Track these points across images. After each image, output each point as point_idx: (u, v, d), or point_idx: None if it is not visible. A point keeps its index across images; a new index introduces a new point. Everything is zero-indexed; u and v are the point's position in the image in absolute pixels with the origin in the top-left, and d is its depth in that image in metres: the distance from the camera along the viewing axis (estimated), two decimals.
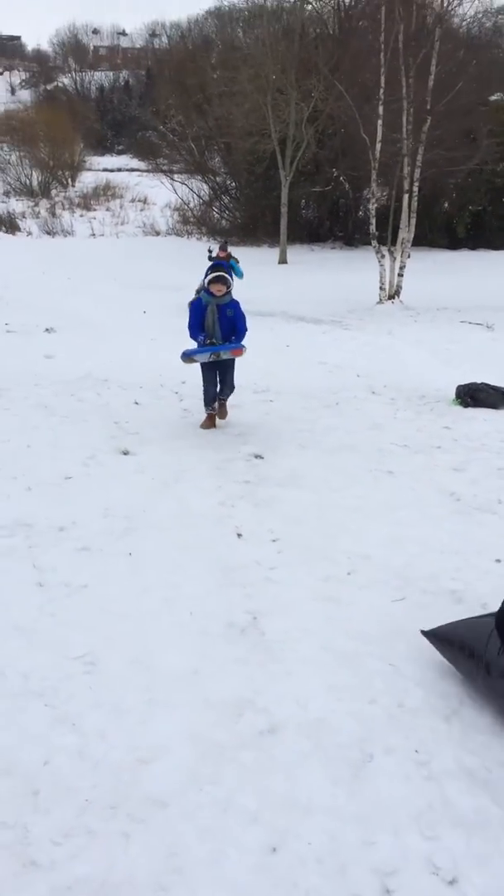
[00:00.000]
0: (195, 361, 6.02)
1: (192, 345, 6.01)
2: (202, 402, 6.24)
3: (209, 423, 6.25)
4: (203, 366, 6.06)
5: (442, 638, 2.81)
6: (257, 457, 5.48)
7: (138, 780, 2.25)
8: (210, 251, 15.35)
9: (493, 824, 2.12)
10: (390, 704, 2.64)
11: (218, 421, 6.31)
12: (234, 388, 6.31)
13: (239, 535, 4.09)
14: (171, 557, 3.74)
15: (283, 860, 2.00)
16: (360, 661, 2.91)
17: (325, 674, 2.81)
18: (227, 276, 5.90)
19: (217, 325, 5.88)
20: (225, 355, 5.98)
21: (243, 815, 2.14)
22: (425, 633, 2.91)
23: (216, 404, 6.25)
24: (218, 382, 6.17)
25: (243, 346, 5.94)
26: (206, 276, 6.11)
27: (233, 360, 6.11)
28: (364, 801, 2.19)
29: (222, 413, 6.33)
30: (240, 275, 15.42)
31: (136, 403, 6.97)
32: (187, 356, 5.99)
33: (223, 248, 15.55)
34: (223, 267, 6.12)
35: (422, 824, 2.11)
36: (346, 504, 4.60)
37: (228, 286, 5.88)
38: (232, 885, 1.92)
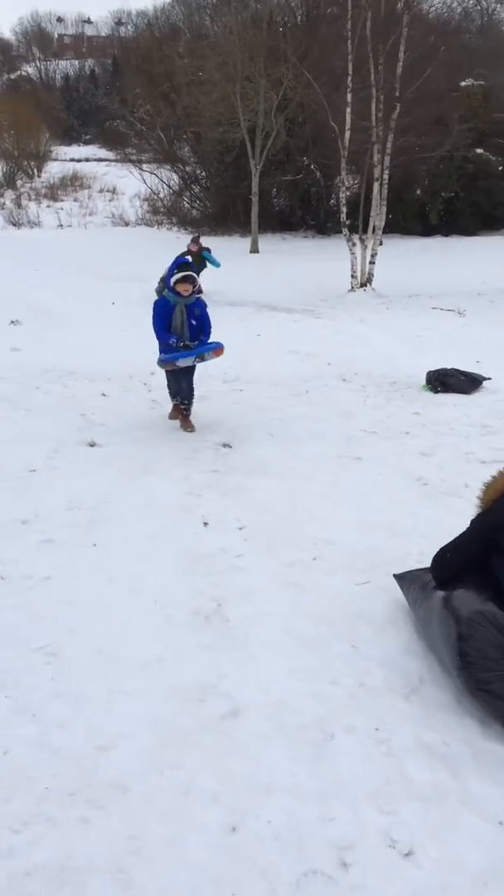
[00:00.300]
0: (176, 367, 5.74)
1: (156, 345, 5.79)
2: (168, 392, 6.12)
3: (177, 412, 6.06)
4: (166, 371, 5.89)
5: (402, 578, 3.23)
6: (225, 446, 5.49)
7: (99, 768, 2.26)
8: (189, 248, 15.37)
9: (451, 798, 2.16)
10: (352, 685, 2.67)
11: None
12: (193, 394, 6.01)
13: (205, 524, 4.10)
14: (136, 548, 3.75)
15: (243, 839, 2.02)
16: (323, 644, 2.94)
17: (288, 657, 2.84)
18: (195, 275, 5.69)
19: (185, 326, 5.66)
20: (209, 357, 5.77)
21: (204, 797, 2.16)
22: (396, 576, 3.29)
23: (183, 409, 5.99)
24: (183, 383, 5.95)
25: (223, 345, 5.78)
26: (171, 274, 5.78)
27: (194, 366, 5.87)
28: (324, 780, 2.22)
29: (187, 426, 5.91)
30: (216, 264, 15.42)
31: (104, 395, 6.95)
32: (166, 361, 5.70)
33: (196, 241, 15.55)
34: (190, 266, 5.88)
35: (380, 799, 2.14)
36: (314, 491, 4.62)
37: (195, 285, 5.68)
38: (191, 864, 1.95)
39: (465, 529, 3.03)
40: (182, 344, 5.64)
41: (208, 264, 15.18)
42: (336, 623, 3.09)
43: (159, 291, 14.78)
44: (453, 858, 1.96)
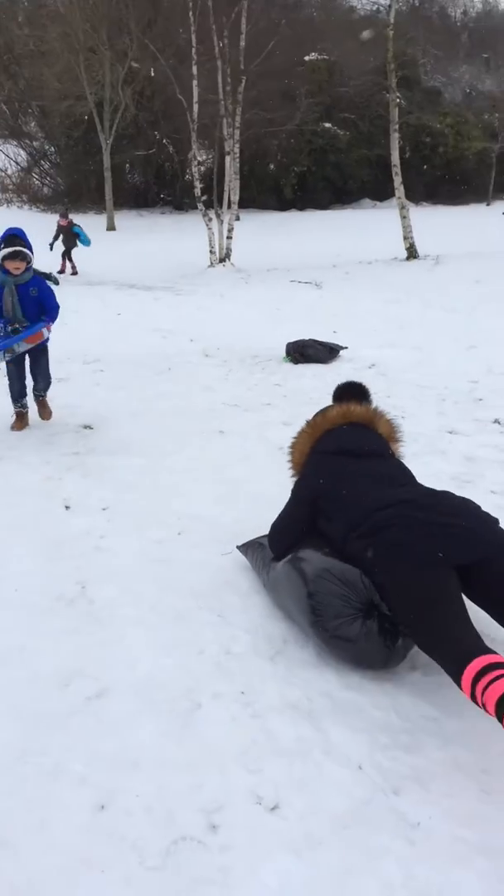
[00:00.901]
0: (15, 354, 5.11)
1: None
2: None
3: (20, 423, 5.38)
4: (6, 365, 5.25)
5: (245, 547, 3.35)
6: (87, 427, 5.40)
7: None
8: (58, 223, 14.88)
9: (313, 750, 2.24)
10: (218, 653, 2.71)
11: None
12: (50, 379, 5.42)
13: (67, 508, 4.02)
14: None
15: (111, 816, 2.02)
16: (191, 617, 2.96)
17: (155, 633, 2.84)
18: (25, 250, 4.98)
19: (17, 308, 5.00)
20: (20, 348, 5.10)
21: (72, 779, 2.14)
22: (239, 547, 3.38)
23: (25, 401, 5.37)
24: (27, 375, 5.30)
25: (43, 328, 5.13)
26: None
27: (44, 348, 5.25)
28: (192, 748, 2.25)
29: (45, 413, 5.47)
30: (86, 242, 15.00)
31: None
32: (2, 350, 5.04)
33: (64, 215, 15.07)
34: (20, 238, 4.98)
35: (247, 760, 2.20)
36: (178, 467, 4.63)
37: (28, 262, 4.98)
38: (60, 846, 1.93)
39: (288, 501, 3.11)
40: (10, 328, 5.04)
41: (79, 242, 14.83)
42: (202, 595, 3.13)
43: None
44: (316, 806, 2.03)
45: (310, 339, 7.80)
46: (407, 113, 18.49)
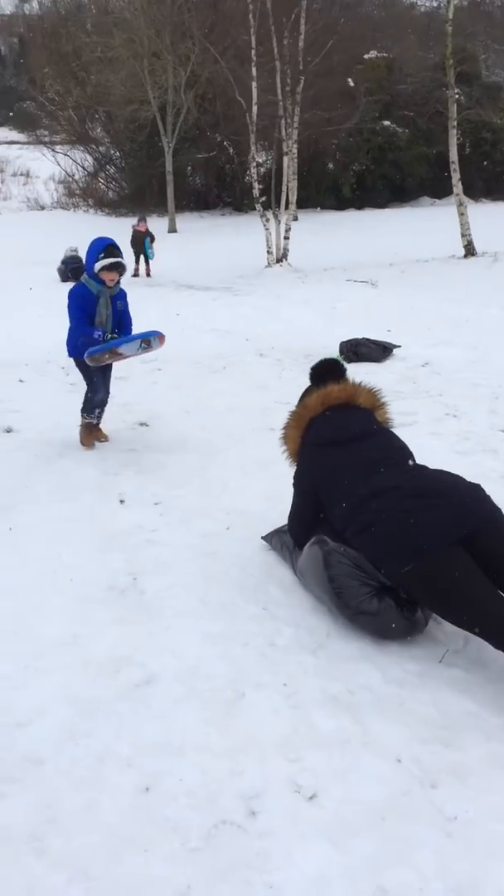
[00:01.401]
0: (120, 357, 4.84)
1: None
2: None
3: (93, 436, 5.10)
4: (95, 368, 4.91)
5: (269, 538, 3.54)
6: (143, 425, 5.52)
7: (14, 743, 2.29)
8: (133, 226, 15.09)
9: (352, 742, 2.27)
10: (262, 645, 2.77)
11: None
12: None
13: (122, 502, 4.13)
14: (52, 529, 3.76)
15: (156, 798, 2.09)
16: (236, 609, 3.03)
17: (202, 624, 2.91)
18: (123, 262, 4.85)
19: (110, 320, 4.85)
20: (156, 344, 4.92)
21: (118, 762, 2.22)
22: (264, 538, 3.57)
23: (102, 413, 5.14)
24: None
25: (157, 335, 4.95)
26: (95, 257, 4.72)
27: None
28: (234, 736, 2.31)
29: (100, 434, 5.19)
30: (149, 255, 15.12)
31: (21, 381, 6.87)
32: (99, 353, 4.71)
33: (143, 220, 15.20)
34: (117, 249, 4.77)
35: (286, 749, 2.24)
36: (230, 463, 4.70)
37: (122, 274, 4.87)
38: (105, 826, 2.01)
39: (293, 494, 3.28)
40: (109, 336, 4.83)
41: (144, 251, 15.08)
42: (248, 588, 3.18)
43: (63, 272, 14.42)
44: (353, 797, 2.07)
45: (363, 338, 7.79)
46: (466, 109, 18.21)
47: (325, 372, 3.46)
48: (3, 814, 2.04)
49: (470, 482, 2.83)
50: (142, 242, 14.94)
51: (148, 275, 15.14)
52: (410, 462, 3.06)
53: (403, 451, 3.11)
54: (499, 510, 2.72)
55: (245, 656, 2.70)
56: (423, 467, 3.02)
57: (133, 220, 16.62)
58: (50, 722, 2.39)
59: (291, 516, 3.32)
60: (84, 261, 4.98)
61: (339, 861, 1.90)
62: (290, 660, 2.67)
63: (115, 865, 1.90)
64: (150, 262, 15.22)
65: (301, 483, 3.21)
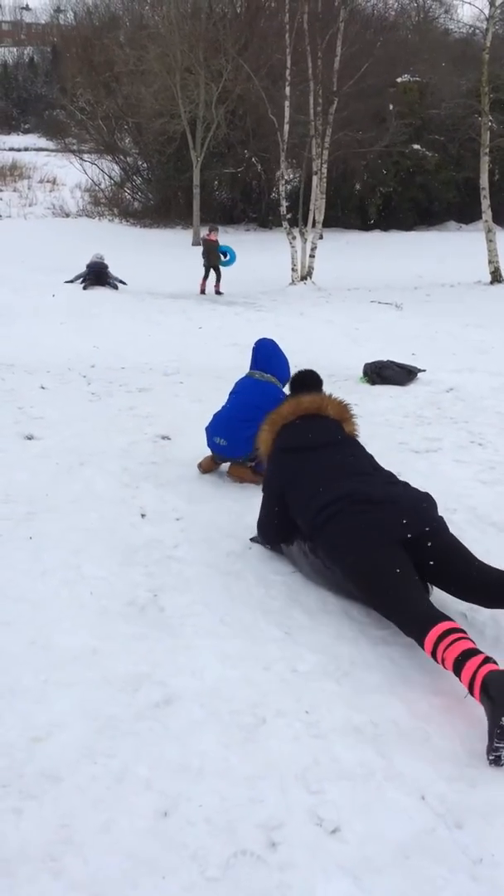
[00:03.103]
0: None
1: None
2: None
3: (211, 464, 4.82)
4: None
5: (255, 539, 3.75)
6: (164, 438, 5.51)
7: (32, 758, 2.26)
8: (204, 237, 14.74)
9: (376, 775, 2.22)
10: (284, 670, 2.73)
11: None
12: None
13: (143, 516, 4.11)
14: (72, 540, 3.74)
15: (174, 823, 2.05)
16: (258, 631, 2.99)
17: (223, 645, 2.87)
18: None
19: None
20: None
21: (137, 783, 2.19)
22: (252, 539, 3.76)
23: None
24: None
25: None
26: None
27: None
28: (254, 762, 2.27)
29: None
30: (232, 261, 14.64)
31: (43, 388, 6.89)
32: None
33: (214, 229, 14.81)
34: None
35: (308, 780, 2.20)
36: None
37: None
38: (123, 849, 1.97)
39: (262, 498, 3.60)
40: None
41: (224, 261, 14.47)
42: (271, 611, 3.15)
43: (86, 277, 14.13)
44: (377, 833, 2.02)
45: (388, 361, 7.77)
46: (498, 136, 18.26)
47: (301, 383, 3.80)
48: (21, 831, 2.01)
49: (421, 492, 3.17)
50: (217, 251, 14.33)
51: (217, 291, 14.37)
52: (372, 470, 3.37)
53: (365, 460, 3.43)
54: (442, 521, 3.06)
55: (266, 681, 2.66)
56: (380, 476, 3.34)
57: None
58: (68, 738, 2.36)
59: (261, 518, 3.62)
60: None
61: None
62: (313, 687, 2.63)
63: (132, 891, 1.86)
64: (221, 276, 14.50)
65: (268, 488, 3.53)
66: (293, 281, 16.19)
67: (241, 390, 4.82)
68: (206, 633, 2.97)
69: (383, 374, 7.54)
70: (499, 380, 7.42)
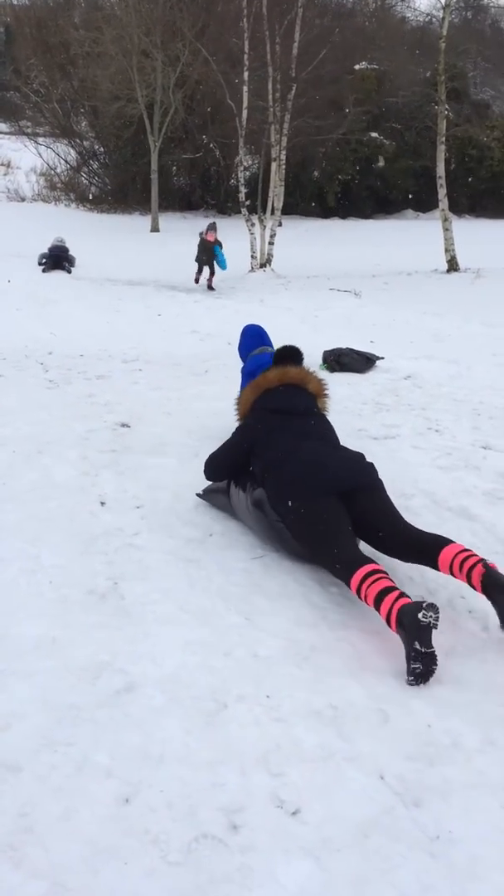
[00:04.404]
0: None
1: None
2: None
3: None
4: None
5: (204, 493, 4.10)
6: (124, 426, 5.47)
7: None
8: (201, 233, 14.10)
9: (336, 757, 2.25)
10: (245, 656, 2.74)
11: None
12: None
13: (102, 504, 4.08)
14: (31, 529, 3.70)
15: (135, 809, 2.06)
16: (218, 618, 3.00)
17: (183, 632, 2.88)
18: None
19: None
20: None
21: (98, 771, 2.18)
22: (198, 495, 4.11)
23: None
24: None
25: None
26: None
27: None
28: (215, 747, 2.28)
29: None
30: (223, 265, 13.60)
31: None
32: None
33: (213, 228, 13.96)
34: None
35: (269, 763, 2.22)
36: None
37: None
38: (84, 837, 1.97)
39: (228, 440, 3.98)
40: None
41: (216, 263, 13.59)
42: (231, 597, 3.16)
43: (45, 260, 13.69)
44: (336, 813, 2.05)
45: (347, 348, 7.81)
46: (454, 125, 18.39)
47: (287, 356, 4.21)
48: None
49: (360, 454, 3.61)
50: (212, 251, 13.57)
51: (210, 287, 13.61)
52: (334, 441, 3.81)
53: (330, 433, 3.86)
54: (379, 481, 3.43)
55: (227, 666, 2.68)
56: (338, 445, 3.78)
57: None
58: (28, 727, 2.34)
59: (217, 455, 3.99)
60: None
61: (321, 878, 1.88)
62: (274, 672, 2.65)
63: (94, 878, 1.86)
64: (216, 272, 13.68)
65: (241, 435, 3.91)
66: (252, 268, 16.15)
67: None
68: (167, 620, 2.97)
69: (342, 361, 7.58)
70: (455, 367, 7.51)
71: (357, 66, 26.09)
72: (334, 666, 2.70)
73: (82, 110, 29.96)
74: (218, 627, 2.93)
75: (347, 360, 7.57)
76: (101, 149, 30.10)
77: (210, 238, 13.54)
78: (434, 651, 2.56)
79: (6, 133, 37.71)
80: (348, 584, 2.92)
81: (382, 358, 7.71)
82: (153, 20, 21.90)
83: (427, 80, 21.22)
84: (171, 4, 22.18)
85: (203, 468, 4.04)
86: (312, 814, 2.05)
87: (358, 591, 2.86)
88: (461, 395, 6.49)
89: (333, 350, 7.71)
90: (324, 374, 7.32)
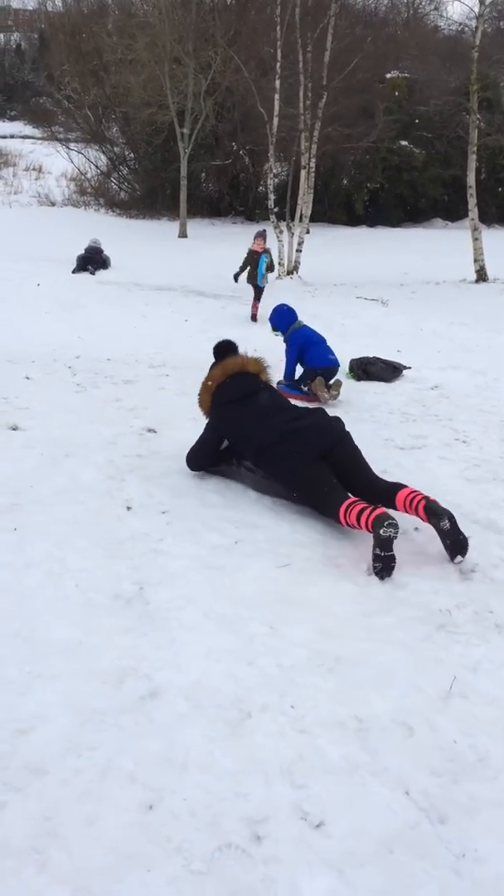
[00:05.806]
0: None
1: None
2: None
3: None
4: None
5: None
6: (150, 431, 5.48)
7: (16, 751, 2.26)
8: (251, 247, 12.94)
9: (360, 769, 2.24)
10: (268, 665, 2.73)
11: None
12: None
13: (128, 508, 4.09)
14: (58, 532, 3.72)
15: (159, 816, 2.06)
16: (242, 626, 2.99)
17: (207, 639, 2.88)
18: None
19: None
20: None
21: (122, 776, 2.19)
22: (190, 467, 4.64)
23: None
24: None
25: None
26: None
27: None
28: (239, 757, 2.27)
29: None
30: (260, 274, 11.67)
31: (28, 378, 6.83)
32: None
33: (262, 235, 12.13)
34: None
35: (293, 774, 2.21)
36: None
37: None
38: (107, 842, 1.97)
39: (202, 436, 4.54)
40: None
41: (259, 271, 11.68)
42: (256, 605, 3.15)
43: (80, 262, 13.65)
44: (361, 827, 2.04)
45: (373, 357, 7.79)
46: (486, 135, 18.29)
47: (224, 350, 4.83)
48: (5, 824, 2.01)
49: (329, 416, 4.22)
50: (256, 262, 11.58)
51: (254, 318, 11.47)
52: (289, 405, 4.40)
53: (281, 398, 4.47)
54: (348, 434, 4.10)
55: (251, 675, 2.67)
56: (297, 409, 4.38)
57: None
58: (53, 730, 2.35)
59: (196, 450, 4.54)
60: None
61: (344, 893, 1.87)
62: (298, 682, 2.64)
63: (117, 884, 1.87)
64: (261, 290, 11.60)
65: (214, 430, 4.48)
66: (279, 275, 16.16)
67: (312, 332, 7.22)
68: (191, 627, 2.97)
69: (369, 370, 7.56)
70: (483, 378, 7.47)
71: (388, 75, 26.06)
72: (359, 677, 2.68)
73: (113, 116, 30.24)
74: (242, 636, 2.92)
75: (374, 370, 7.55)
76: (132, 154, 30.35)
77: (258, 248, 11.83)
78: (393, 554, 3.35)
79: (38, 138, 38.17)
80: (336, 518, 3.66)
81: (409, 367, 7.68)
82: (186, 27, 22.07)
83: (458, 89, 21.12)
84: (203, 12, 22.34)
85: (186, 461, 4.57)
86: (336, 827, 2.04)
87: (345, 517, 3.57)
88: (488, 406, 6.45)
89: (360, 359, 7.69)
90: (350, 383, 7.33)
